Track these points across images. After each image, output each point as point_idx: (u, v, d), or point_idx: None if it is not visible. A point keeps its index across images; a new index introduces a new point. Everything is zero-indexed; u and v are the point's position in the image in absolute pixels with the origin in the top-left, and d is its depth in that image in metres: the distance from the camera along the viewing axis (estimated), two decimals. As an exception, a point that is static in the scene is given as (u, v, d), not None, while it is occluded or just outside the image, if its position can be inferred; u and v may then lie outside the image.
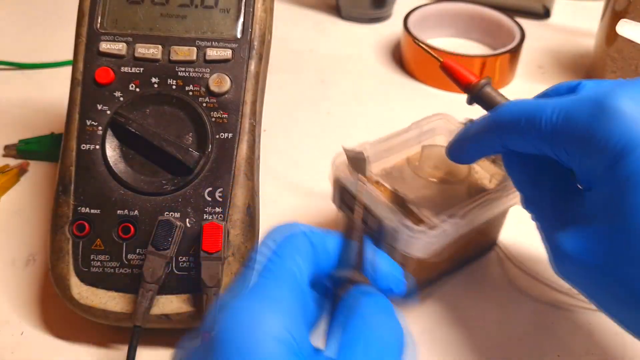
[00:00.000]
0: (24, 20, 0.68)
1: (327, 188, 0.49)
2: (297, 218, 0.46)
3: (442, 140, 0.43)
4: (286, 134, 0.54)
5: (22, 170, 0.48)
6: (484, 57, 0.58)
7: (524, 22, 0.63)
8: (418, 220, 0.36)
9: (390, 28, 0.69)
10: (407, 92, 0.59)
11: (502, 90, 0.60)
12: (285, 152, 0.52)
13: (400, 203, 0.37)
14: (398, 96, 0.58)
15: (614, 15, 0.56)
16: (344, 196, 0.38)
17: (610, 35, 0.57)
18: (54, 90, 0.57)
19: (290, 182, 0.49)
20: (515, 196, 0.38)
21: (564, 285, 0.38)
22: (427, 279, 0.41)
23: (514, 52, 0.59)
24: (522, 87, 0.61)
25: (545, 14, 0.71)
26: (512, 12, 0.66)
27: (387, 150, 0.42)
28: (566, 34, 0.69)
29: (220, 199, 0.36)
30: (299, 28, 0.69)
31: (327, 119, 0.56)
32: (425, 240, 0.35)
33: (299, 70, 0.62)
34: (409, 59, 0.62)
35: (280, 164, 0.51)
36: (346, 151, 0.38)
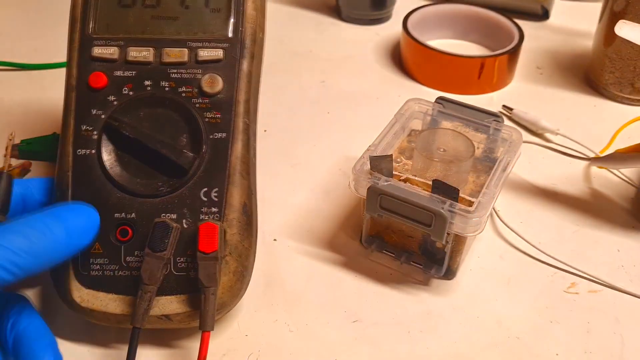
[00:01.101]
0: (26, 21, 0.69)
1: (327, 187, 0.49)
2: (297, 217, 0.46)
3: (420, 124, 0.45)
4: (286, 134, 0.54)
5: (24, 170, 0.49)
6: (483, 58, 0.58)
7: (523, 23, 0.63)
8: (461, 202, 0.38)
9: (390, 29, 0.69)
10: (406, 93, 0.59)
11: (501, 92, 0.61)
12: (286, 152, 0.52)
13: (441, 191, 0.38)
14: (398, 97, 0.58)
15: (612, 16, 0.56)
16: (382, 201, 0.38)
17: (608, 36, 0.57)
18: (56, 91, 0.57)
19: (290, 182, 0.49)
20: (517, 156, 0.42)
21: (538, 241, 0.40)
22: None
23: (513, 53, 0.59)
24: (521, 88, 0.61)
25: (544, 15, 0.71)
26: (510, 13, 0.66)
27: (387, 148, 0.43)
28: (565, 35, 0.69)
29: (216, 199, 0.36)
30: (299, 29, 0.69)
31: (327, 119, 0.56)
32: (476, 219, 0.37)
33: (299, 71, 0.62)
34: (409, 59, 0.62)
35: (281, 163, 0.51)
36: (371, 157, 0.39)
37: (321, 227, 0.46)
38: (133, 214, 0.36)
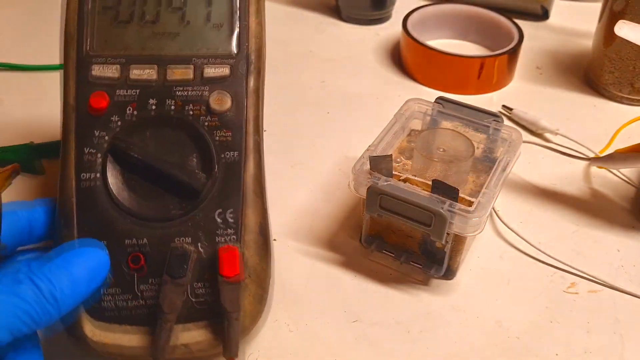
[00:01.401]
0: (24, 22, 0.69)
1: (327, 187, 0.49)
2: (297, 217, 0.46)
3: (419, 124, 0.45)
4: (286, 134, 0.54)
5: (14, 172, 0.45)
6: (483, 58, 0.58)
7: (523, 23, 0.63)
8: (461, 202, 0.38)
9: (390, 29, 0.69)
10: (406, 93, 0.59)
11: (501, 92, 0.61)
12: (286, 152, 0.52)
13: (440, 191, 0.38)
14: (397, 97, 0.59)
15: (612, 16, 0.56)
16: (382, 201, 0.38)
17: (608, 36, 0.57)
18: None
19: (290, 182, 0.49)
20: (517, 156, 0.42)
21: (536, 240, 0.41)
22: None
23: (513, 53, 0.59)
24: (520, 88, 0.61)
25: (543, 15, 0.72)
26: (510, 13, 0.66)
27: (387, 148, 0.43)
28: (564, 35, 0.69)
29: (232, 220, 0.35)
30: (299, 29, 0.69)
31: (327, 119, 0.56)
32: (476, 219, 0.37)
33: (299, 71, 0.62)
34: (409, 60, 0.62)
35: (280, 163, 0.51)
36: (371, 157, 0.39)
37: (321, 227, 0.46)
38: (144, 240, 0.34)
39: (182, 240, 0.35)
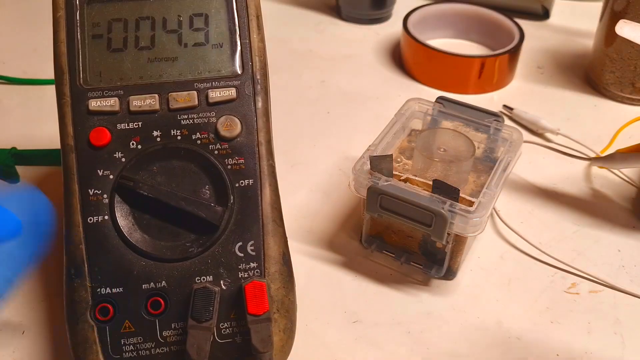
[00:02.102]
0: (23, 22, 0.69)
1: (327, 187, 0.49)
2: (297, 217, 0.46)
3: (420, 124, 0.45)
4: (286, 134, 0.54)
5: None
6: (483, 58, 0.58)
7: (523, 23, 0.63)
8: (462, 202, 0.38)
9: (390, 28, 0.69)
10: (406, 93, 0.59)
11: (501, 91, 0.61)
12: (286, 152, 0.52)
13: (441, 191, 0.38)
14: (398, 96, 0.58)
15: (613, 16, 0.56)
16: (382, 201, 0.38)
17: (609, 36, 0.57)
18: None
19: (290, 182, 0.49)
20: (517, 156, 0.42)
21: (537, 241, 0.40)
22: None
23: (513, 53, 0.59)
24: (521, 87, 0.61)
25: (544, 14, 0.71)
26: (511, 12, 0.66)
27: (388, 148, 0.43)
28: (565, 34, 0.69)
29: (253, 253, 0.34)
30: (299, 28, 0.69)
31: (327, 119, 0.56)
32: (477, 219, 0.37)
33: (299, 71, 0.62)
34: (409, 59, 0.62)
35: (281, 163, 0.51)
36: (371, 157, 0.39)
37: (321, 227, 0.45)
38: (163, 282, 0.33)
39: (203, 279, 0.33)
